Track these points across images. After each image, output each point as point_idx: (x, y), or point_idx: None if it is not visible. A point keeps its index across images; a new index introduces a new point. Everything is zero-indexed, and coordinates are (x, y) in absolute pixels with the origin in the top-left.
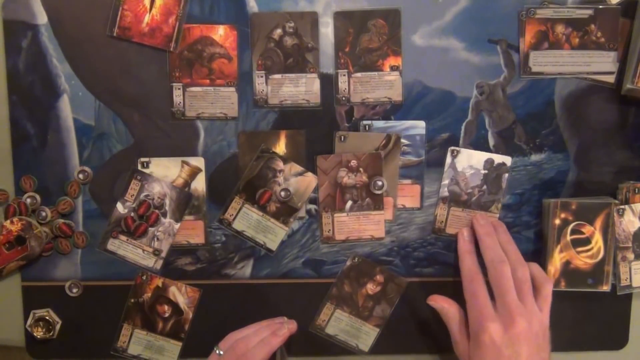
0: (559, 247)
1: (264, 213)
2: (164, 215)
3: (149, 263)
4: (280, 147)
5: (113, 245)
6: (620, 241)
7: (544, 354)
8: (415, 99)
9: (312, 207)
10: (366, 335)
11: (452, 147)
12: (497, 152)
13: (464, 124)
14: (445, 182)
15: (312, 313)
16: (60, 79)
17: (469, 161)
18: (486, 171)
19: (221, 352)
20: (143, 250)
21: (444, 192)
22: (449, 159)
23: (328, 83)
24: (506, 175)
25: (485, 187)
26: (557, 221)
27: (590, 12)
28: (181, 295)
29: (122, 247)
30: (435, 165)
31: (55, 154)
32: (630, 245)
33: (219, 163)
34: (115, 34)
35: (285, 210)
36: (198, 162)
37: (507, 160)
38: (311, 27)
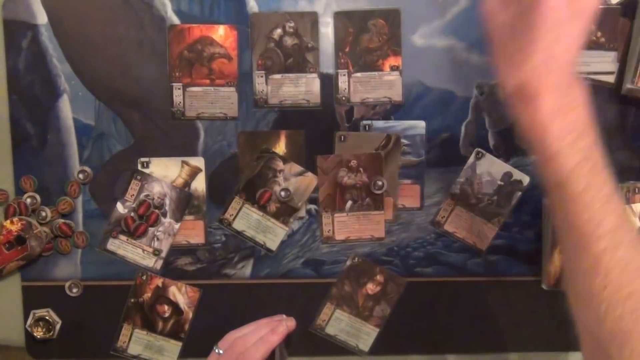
0: (559, 247)
1: (264, 213)
2: (164, 215)
3: (149, 263)
4: (280, 147)
5: (113, 245)
6: None
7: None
8: (415, 99)
9: (312, 207)
10: (366, 335)
11: (478, 149)
12: (496, 152)
13: (464, 124)
14: (461, 179)
15: (312, 313)
16: (60, 79)
17: (489, 168)
18: (502, 183)
19: (220, 351)
20: (143, 250)
21: (456, 189)
22: (471, 159)
23: (328, 83)
24: (519, 193)
25: (495, 197)
26: None
27: None
28: (181, 295)
29: (122, 247)
30: (435, 166)
31: (55, 154)
32: None
33: (219, 163)
34: None
35: (285, 210)
36: (198, 162)
37: (525, 179)
38: (311, 27)
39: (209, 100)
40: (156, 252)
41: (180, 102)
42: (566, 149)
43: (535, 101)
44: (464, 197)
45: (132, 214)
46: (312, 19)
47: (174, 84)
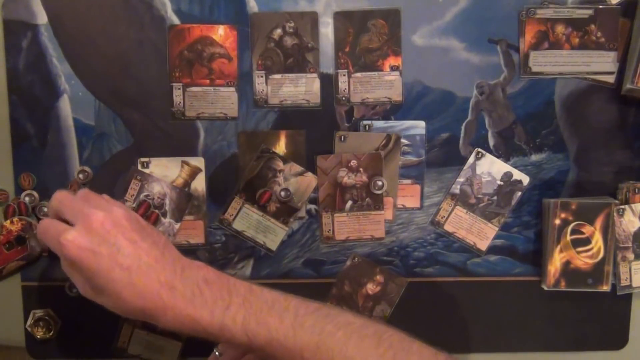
0: (559, 247)
1: (264, 213)
2: (164, 215)
3: None
4: (280, 147)
5: None
6: (620, 241)
7: (149, 238)
8: (415, 99)
9: (312, 207)
10: None
11: (478, 149)
12: (496, 152)
13: (464, 124)
14: (461, 179)
15: None
16: (60, 79)
17: (490, 168)
18: (502, 183)
19: (220, 353)
20: None
21: (456, 189)
22: (471, 159)
23: (328, 83)
24: (519, 193)
25: (495, 197)
26: (557, 221)
27: (590, 12)
28: None
29: None
30: (435, 165)
31: (55, 154)
32: (630, 245)
33: (219, 163)
34: None
35: (285, 210)
36: (198, 162)
37: (525, 179)
38: (311, 27)
39: (209, 100)
40: None
41: (180, 102)
42: (228, 320)
43: (161, 317)
44: (464, 197)
45: None
46: (312, 19)
47: (174, 84)
